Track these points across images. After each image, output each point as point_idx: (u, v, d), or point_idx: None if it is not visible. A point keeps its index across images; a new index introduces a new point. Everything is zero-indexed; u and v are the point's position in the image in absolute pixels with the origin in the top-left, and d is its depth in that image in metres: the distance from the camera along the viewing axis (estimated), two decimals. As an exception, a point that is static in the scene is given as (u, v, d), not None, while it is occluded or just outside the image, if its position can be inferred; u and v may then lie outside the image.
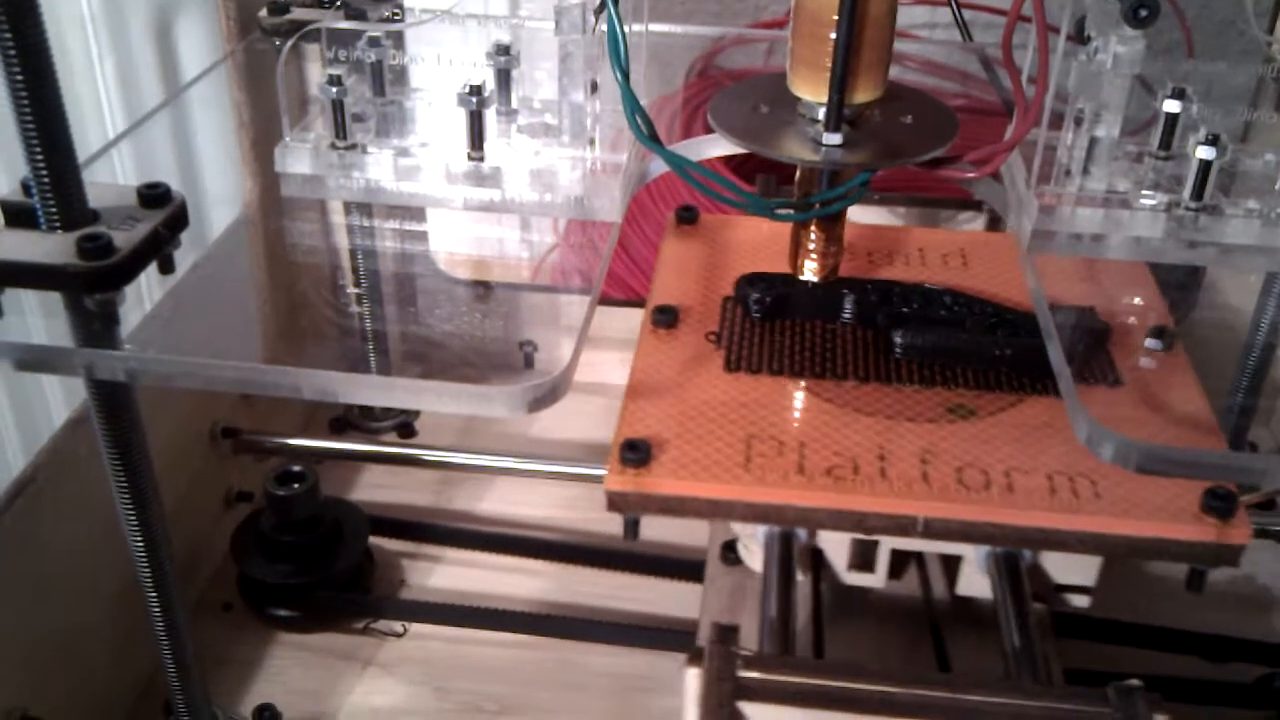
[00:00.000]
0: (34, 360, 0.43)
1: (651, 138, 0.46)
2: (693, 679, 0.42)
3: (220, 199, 0.80)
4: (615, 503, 0.46)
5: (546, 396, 0.40)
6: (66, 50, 0.80)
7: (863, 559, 0.49)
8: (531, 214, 0.70)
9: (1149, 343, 0.53)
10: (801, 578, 0.50)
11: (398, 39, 0.52)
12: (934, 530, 0.45)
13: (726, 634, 0.43)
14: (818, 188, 0.50)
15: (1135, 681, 0.41)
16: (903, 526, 0.45)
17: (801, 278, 0.54)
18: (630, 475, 0.46)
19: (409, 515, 0.70)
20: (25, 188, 0.41)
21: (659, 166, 0.51)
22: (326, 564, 0.63)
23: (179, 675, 0.51)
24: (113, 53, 0.82)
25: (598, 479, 0.68)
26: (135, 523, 0.46)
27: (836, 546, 0.49)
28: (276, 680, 0.61)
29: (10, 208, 0.41)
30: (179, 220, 0.43)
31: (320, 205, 0.72)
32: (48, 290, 0.40)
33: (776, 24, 1.01)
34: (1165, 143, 0.48)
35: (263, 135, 0.67)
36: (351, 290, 0.73)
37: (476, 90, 0.47)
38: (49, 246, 0.40)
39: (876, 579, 0.49)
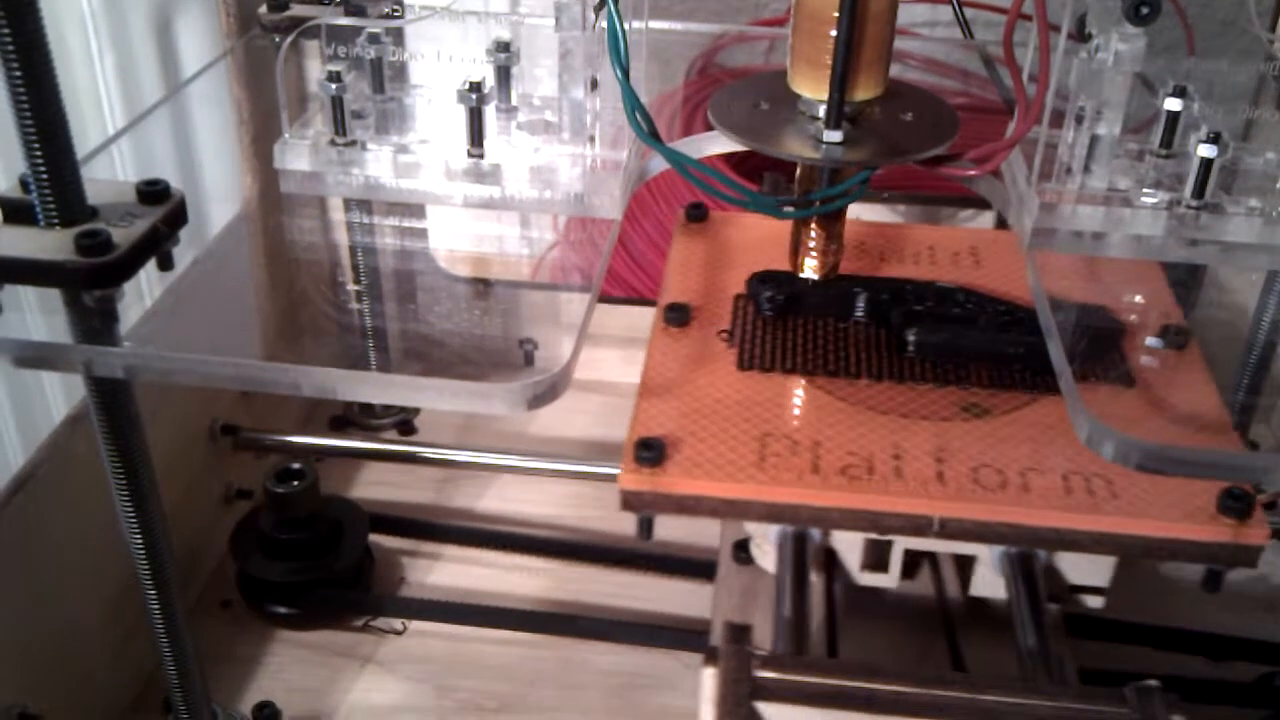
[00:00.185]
0: (33, 357, 0.43)
1: (652, 135, 0.46)
2: (709, 679, 0.42)
3: (219, 195, 0.80)
4: (630, 502, 0.46)
5: (546, 394, 0.40)
6: (66, 46, 0.79)
7: (876, 559, 0.49)
8: (531, 211, 0.70)
9: (1160, 342, 0.53)
10: (815, 578, 0.49)
11: (397, 35, 0.52)
12: (950, 530, 0.45)
13: (739, 633, 0.43)
14: (818, 185, 0.50)
15: (1153, 682, 0.40)
16: (919, 527, 0.45)
17: (802, 275, 0.54)
18: (645, 474, 0.46)
19: (409, 513, 0.70)
20: (24, 184, 0.41)
21: (659, 164, 0.51)
22: (326, 561, 0.63)
23: (178, 673, 0.51)
24: (112, 49, 0.82)
25: (598, 476, 0.69)
26: (134, 520, 0.46)
27: (850, 546, 0.49)
28: (276, 678, 0.61)
29: (9, 204, 0.41)
30: (178, 217, 0.43)
31: (319, 202, 0.72)
32: (46, 287, 0.40)
33: (777, 21, 1.01)
34: (1166, 141, 0.48)
35: (262, 132, 0.67)
36: (351, 287, 0.73)
37: (476, 87, 0.47)
38: (48, 243, 0.40)
39: (890, 579, 0.49)
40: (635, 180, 0.51)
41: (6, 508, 0.50)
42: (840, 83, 0.45)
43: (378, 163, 0.48)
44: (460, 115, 0.48)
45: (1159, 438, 0.48)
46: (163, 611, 0.49)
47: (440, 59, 0.50)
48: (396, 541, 0.69)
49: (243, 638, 0.63)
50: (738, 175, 0.71)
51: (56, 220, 0.40)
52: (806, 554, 0.48)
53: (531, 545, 0.68)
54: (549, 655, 0.62)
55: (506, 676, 0.61)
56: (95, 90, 0.82)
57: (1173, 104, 0.47)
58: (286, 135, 0.49)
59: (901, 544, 0.48)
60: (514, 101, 0.51)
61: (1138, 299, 0.56)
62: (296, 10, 0.63)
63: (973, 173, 0.48)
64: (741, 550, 0.55)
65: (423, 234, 0.75)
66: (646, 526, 0.47)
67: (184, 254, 0.44)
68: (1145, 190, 0.46)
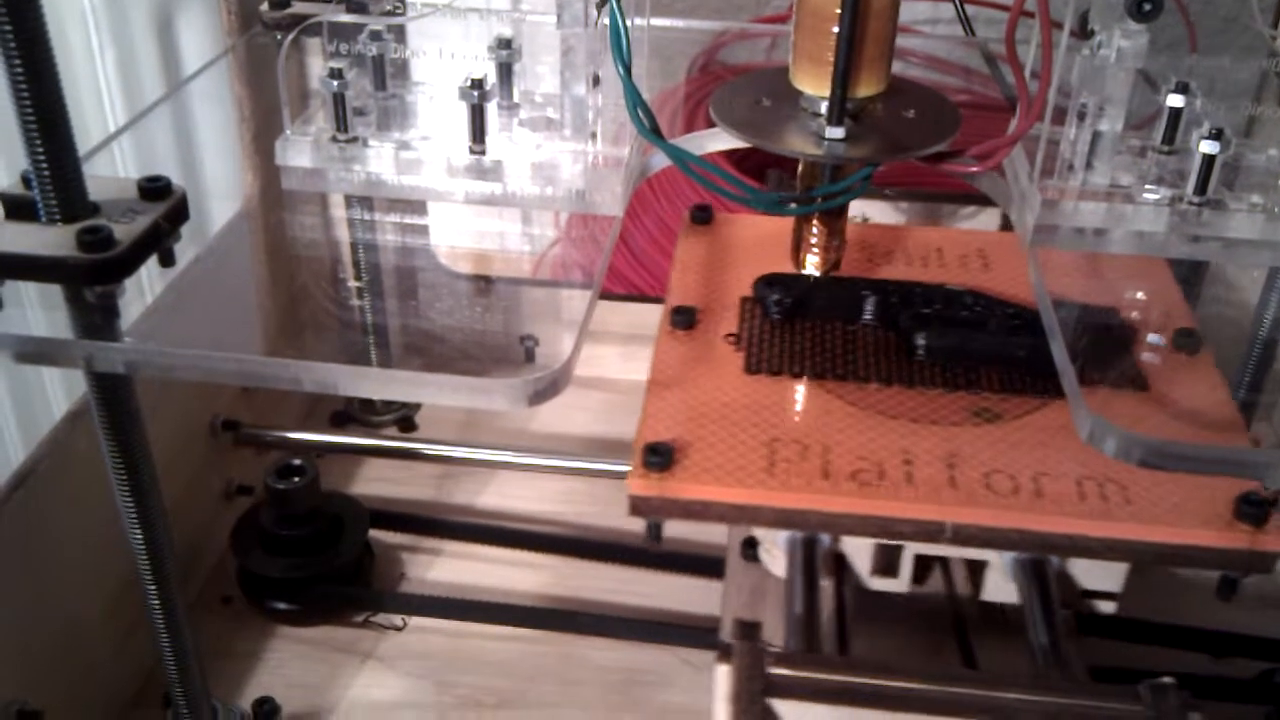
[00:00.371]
0: (34, 352, 0.43)
1: (653, 131, 0.46)
2: (723, 675, 0.42)
3: (221, 192, 0.80)
4: (638, 507, 0.46)
5: (547, 390, 0.40)
6: (67, 43, 0.79)
7: (886, 564, 0.49)
8: (533, 208, 0.70)
9: (1172, 344, 0.53)
10: (825, 582, 0.49)
11: (399, 32, 0.51)
12: (962, 536, 0.44)
13: (749, 630, 0.43)
14: (820, 181, 0.50)
15: (1168, 679, 0.40)
16: (930, 533, 0.44)
17: (804, 271, 0.54)
18: (653, 479, 0.45)
19: (409, 509, 0.70)
20: (25, 180, 0.41)
21: (661, 161, 0.51)
22: (326, 557, 0.63)
23: (179, 668, 0.51)
24: (114, 46, 0.82)
25: (599, 473, 0.69)
26: (135, 516, 0.46)
27: (859, 551, 0.49)
28: (276, 673, 0.61)
29: (10, 200, 0.41)
30: (179, 213, 0.43)
31: (321, 199, 0.72)
32: (48, 282, 0.40)
33: (779, 19, 1.01)
34: (1169, 137, 0.48)
35: (264, 129, 0.67)
36: (352, 284, 0.73)
37: (478, 84, 0.47)
38: (49, 239, 0.40)
39: (900, 584, 0.49)
40: (637, 177, 0.51)
41: (7, 504, 0.50)
42: (842, 79, 0.45)
43: (379, 159, 0.48)
44: (462, 112, 0.48)
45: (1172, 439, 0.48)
46: (163, 607, 0.49)
47: (442, 56, 0.50)
48: (397, 537, 0.69)
49: (243, 633, 0.63)
50: (739, 172, 0.71)
51: (58, 216, 0.40)
52: (816, 559, 0.48)
53: (532, 541, 0.68)
54: (549, 651, 0.62)
55: (506, 672, 0.61)
56: (97, 87, 0.82)
57: (1175, 100, 0.47)
58: (288, 132, 0.49)
59: (912, 549, 0.48)
60: (516, 98, 0.51)
61: (1147, 300, 0.55)
62: (298, 7, 0.63)
63: (975, 169, 0.48)
64: (750, 547, 0.54)
65: (424, 230, 0.75)
66: (655, 531, 0.47)
67: (185, 250, 0.44)
68: (1147, 186, 0.46)
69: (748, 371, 0.52)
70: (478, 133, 0.48)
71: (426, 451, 0.70)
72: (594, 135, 0.49)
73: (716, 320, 0.55)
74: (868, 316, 0.55)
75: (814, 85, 0.47)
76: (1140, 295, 0.56)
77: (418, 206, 0.73)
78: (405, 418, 0.78)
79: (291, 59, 0.67)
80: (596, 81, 0.48)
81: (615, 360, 0.81)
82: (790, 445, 0.47)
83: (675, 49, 0.95)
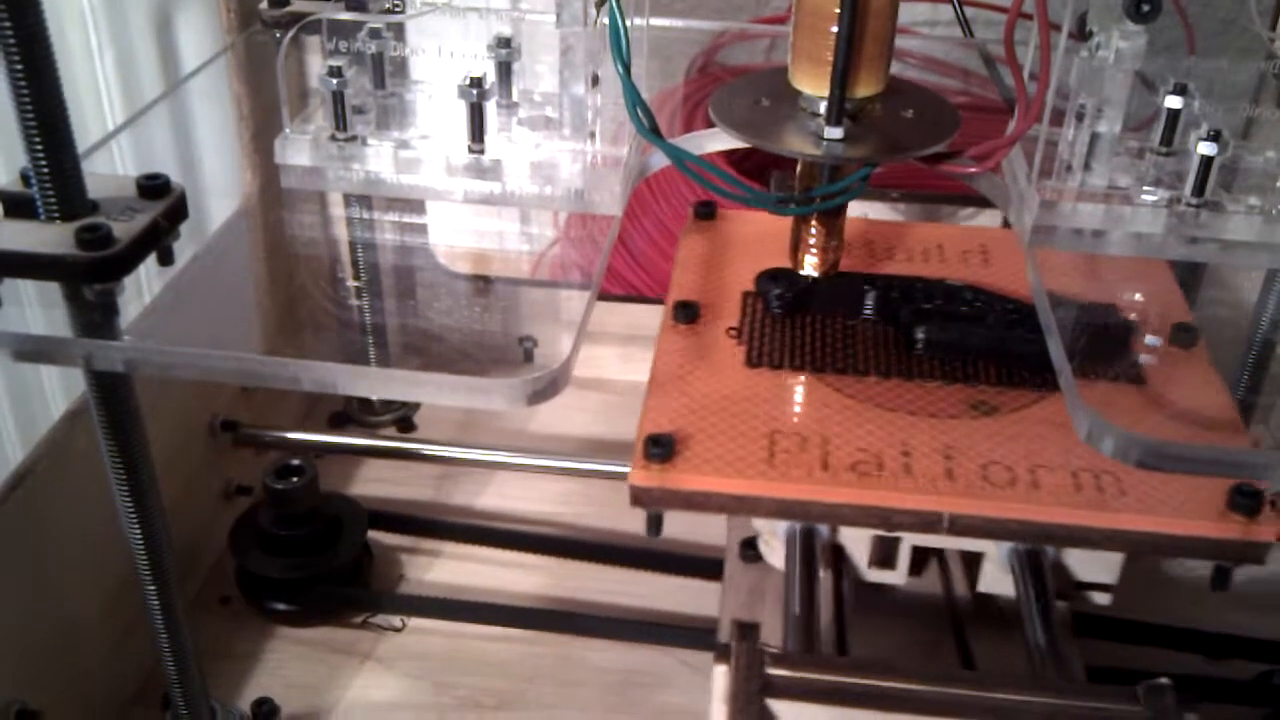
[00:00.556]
0: (33, 350, 0.43)
1: (652, 131, 0.46)
2: (720, 676, 0.42)
3: (220, 191, 0.80)
4: (639, 498, 0.46)
5: (546, 390, 0.40)
6: (66, 41, 0.79)
7: (884, 556, 0.49)
8: (531, 207, 0.70)
9: (1169, 340, 0.53)
10: (823, 574, 0.49)
11: (398, 31, 0.51)
12: (960, 527, 0.45)
13: (748, 631, 0.43)
14: (819, 182, 0.50)
15: (1164, 680, 0.40)
16: (928, 523, 0.45)
17: (802, 272, 0.54)
18: (655, 470, 0.46)
19: (408, 510, 0.70)
20: (24, 178, 0.41)
21: (659, 160, 0.51)
22: (325, 558, 0.63)
23: (177, 669, 0.51)
24: (112, 44, 0.82)
25: (597, 474, 0.69)
26: (134, 515, 0.46)
27: (857, 543, 0.49)
28: (275, 674, 0.61)
29: (9, 198, 0.41)
30: (178, 211, 0.43)
31: (320, 197, 0.72)
32: (47, 280, 0.40)
33: (778, 19, 1.01)
34: (1167, 139, 0.48)
35: (263, 127, 0.67)
36: (351, 283, 0.73)
37: (477, 83, 0.47)
38: (48, 237, 0.40)
39: (898, 576, 0.49)
40: (635, 176, 0.51)
41: (5, 503, 0.50)
42: (841, 79, 0.45)
43: (378, 158, 0.48)
44: (461, 111, 0.48)
45: (1169, 436, 0.48)
46: (162, 607, 0.49)
47: (441, 54, 0.50)
48: (395, 538, 0.69)
49: (241, 634, 0.63)
50: (738, 172, 0.71)
51: (57, 214, 0.40)
52: (815, 550, 0.48)
53: (530, 542, 0.68)
54: (547, 652, 0.62)
55: (505, 673, 0.61)
56: (95, 85, 0.82)
57: (1173, 102, 0.47)
58: (287, 130, 0.49)
59: (909, 541, 0.48)
60: (515, 97, 0.51)
61: (1146, 297, 0.56)
62: (297, 5, 0.63)
63: (973, 170, 0.48)
64: (749, 548, 0.55)
65: (423, 230, 0.75)
66: (656, 523, 0.47)
67: (184, 249, 0.44)
68: (1145, 188, 0.46)
69: (749, 365, 0.52)
70: (476, 132, 0.48)
71: (425, 452, 0.70)
72: (593, 135, 0.49)
73: (719, 314, 0.56)
74: (868, 311, 0.55)
75: (813, 85, 0.47)
76: (1138, 292, 0.56)
77: (416, 205, 0.73)
78: (404, 418, 0.78)
79: (290, 57, 0.67)
80: (595, 81, 0.48)
81: (614, 361, 0.81)
82: (790, 437, 0.47)
83: (674, 49, 0.95)
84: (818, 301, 0.55)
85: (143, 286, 0.53)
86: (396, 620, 0.64)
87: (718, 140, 0.50)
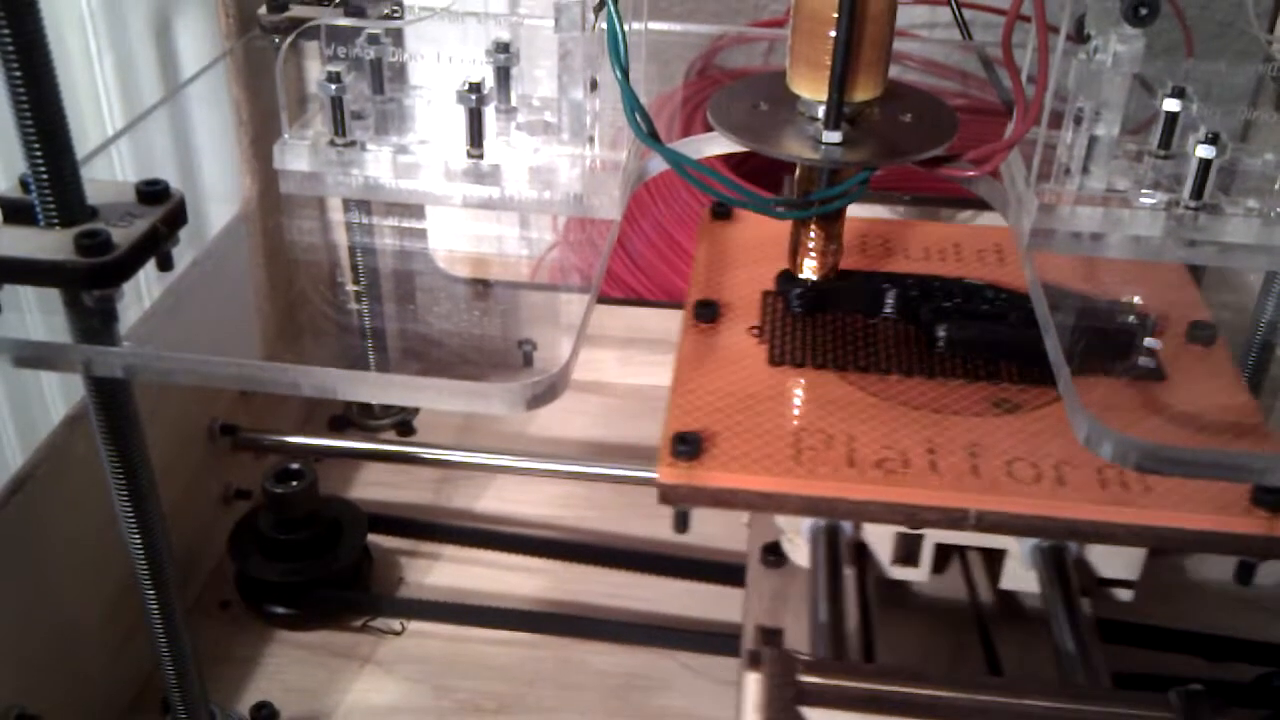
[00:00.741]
0: (32, 356, 0.43)
1: (651, 135, 0.46)
2: (752, 684, 0.42)
3: (219, 196, 0.80)
4: (667, 495, 0.46)
5: (545, 394, 0.40)
6: (65, 47, 0.79)
7: (907, 553, 0.49)
8: (530, 211, 0.70)
9: (1188, 338, 0.53)
10: (847, 571, 0.50)
11: (397, 36, 0.52)
12: (987, 523, 0.45)
13: (771, 637, 0.43)
14: (817, 186, 0.50)
15: (1197, 686, 0.40)
16: (955, 519, 0.45)
17: (800, 276, 0.54)
18: (682, 468, 0.46)
19: (407, 513, 0.70)
20: (24, 184, 0.41)
21: (658, 164, 0.51)
22: (325, 562, 0.63)
23: (177, 673, 0.51)
24: (111, 49, 0.82)
25: (597, 477, 0.69)
26: (133, 520, 0.46)
27: (881, 540, 0.49)
28: (274, 678, 0.61)
29: (9, 204, 0.41)
30: (178, 217, 0.43)
31: (319, 203, 0.72)
32: (46, 286, 0.40)
33: (776, 23, 1.01)
34: (1165, 142, 0.48)
35: (262, 132, 0.67)
36: (350, 288, 0.73)
37: (476, 88, 0.47)
38: (47, 243, 0.40)
39: (920, 573, 0.50)
40: (634, 181, 0.51)
41: (5, 508, 0.50)
42: (839, 83, 0.45)
43: (377, 163, 0.48)
44: (460, 116, 0.48)
45: (1184, 437, 0.48)
46: (161, 612, 0.49)
47: (440, 60, 0.50)
48: (395, 542, 0.69)
49: (241, 638, 0.63)
50: (737, 176, 0.71)
51: (56, 220, 0.40)
52: (840, 548, 0.49)
53: (530, 545, 0.68)
54: (547, 655, 0.62)
55: (505, 677, 0.61)
56: (95, 91, 0.82)
57: (1171, 105, 0.47)
58: (286, 136, 0.49)
59: (933, 538, 0.49)
60: (513, 102, 0.51)
61: (1164, 295, 0.56)
62: (296, 11, 0.63)
63: (971, 173, 0.48)
64: (770, 554, 0.55)
65: (422, 234, 0.75)
66: (683, 520, 0.47)
67: (183, 254, 0.44)
68: (1144, 191, 0.46)
69: (771, 363, 0.52)
70: (475, 137, 0.48)
71: (425, 456, 0.70)
72: (591, 139, 0.49)
73: (739, 314, 0.56)
74: (888, 310, 0.55)
75: (811, 89, 0.47)
76: (1155, 291, 0.56)
77: (415, 210, 0.73)
78: (403, 422, 0.78)
79: (289, 62, 0.67)
80: (594, 85, 0.48)
81: (613, 364, 0.81)
82: (815, 434, 0.48)
83: (673, 53, 0.96)
84: (838, 301, 0.56)
85: (142, 292, 0.53)
86: (396, 624, 0.64)
87: (716, 144, 0.50)
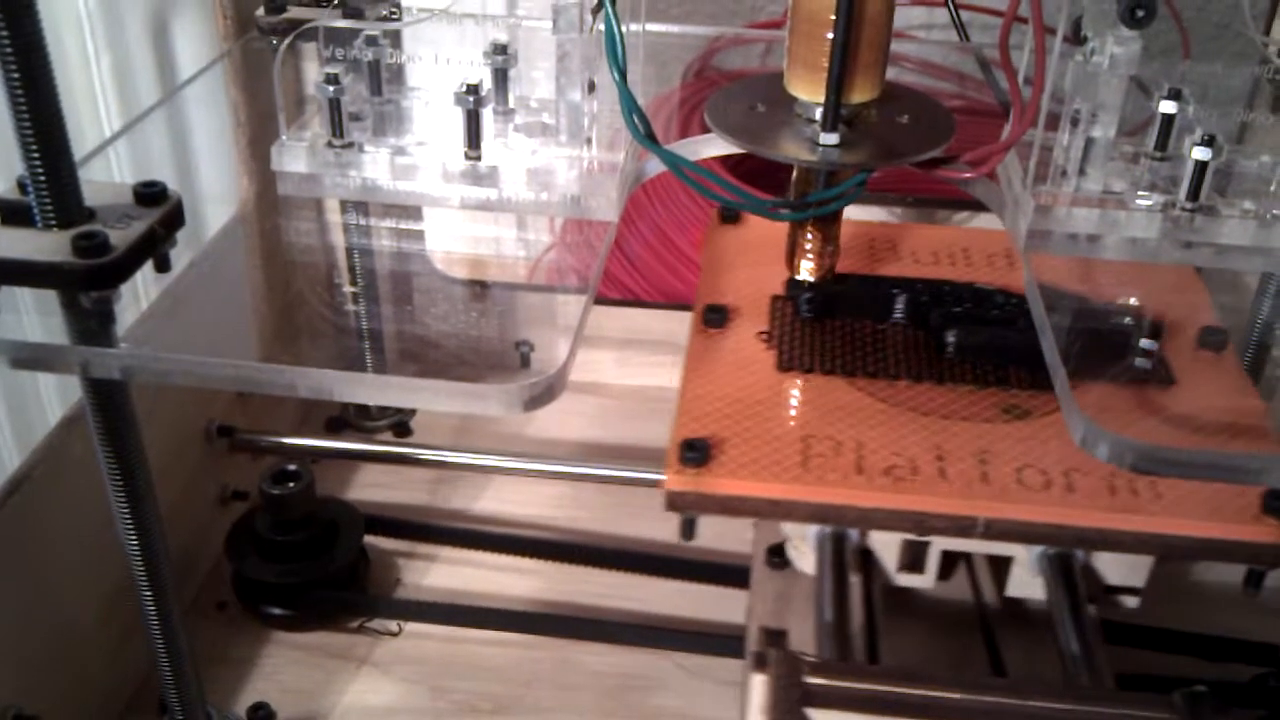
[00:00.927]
0: (29, 358, 0.43)
1: (648, 137, 0.46)
2: (759, 685, 0.42)
3: (216, 197, 0.80)
4: (674, 502, 0.46)
5: (542, 395, 0.40)
6: (63, 48, 0.79)
7: (913, 560, 0.49)
8: (528, 213, 0.70)
9: (1198, 343, 0.53)
10: (853, 578, 0.50)
11: (395, 38, 0.52)
12: (995, 531, 0.45)
13: (776, 638, 0.43)
14: (815, 188, 0.50)
15: (1201, 688, 0.40)
16: (963, 527, 0.45)
17: (797, 278, 0.54)
18: (689, 475, 0.46)
19: (404, 514, 0.70)
20: (21, 185, 0.41)
21: (656, 166, 0.51)
22: (322, 563, 0.63)
23: (174, 674, 0.51)
24: (109, 50, 0.82)
25: (594, 478, 0.69)
26: (130, 521, 0.46)
27: (886, 547, 0.49)
28: (271, 679, 0.61)
29: (6, 205, 0.41)
30: (175, 218, 0.43)
31: (317, 204, 0.72)
32: (43, 288, 0.40)
33: (774, 24, 1.01)
34: (1161, 144, 0.48)
35: (259, 134, 0.67)
36: (347, 289, 0.73)
37: (474, 89, 0.47)
38: (45, 244, 0.40)
39: (926, 580, 0.50)
40: (632, 182, 0.51)
41: (2, 509, 0.50)
42: (837, 85, 0.45)
43: (375, 165, 0.48)
44: (457, 117, 0.48)
45: (1192, 441, 0.48)
46: (158, 613, 0.49)
47: (438, 61, 0.50)
48: (392, 543, 0.69)
49: (238, 639, 0.63)
50: (734, 178, 0.71)
51: (54, 222, 0.40)
52: (846, 555, 0.49)
53: (527, 547, 0.68)
54: (544, 656, 0.62)
55: (502, 678, 0.61)
56: (92, 92, 0.82)
57: (1168, 107, 0.47)
58: (284, 137, 0.49)
59: (939, 545, 0.48)
60: (511, 104, 0.51)
61: (1172, 299, 0.56)
62: (294, 12, 0.63)
63: (968, 175, 0.48)
64: (775, 555, 0.54)
65: (419, 236, 0.75)
66: (690, 527, 0.47)
67: (181, 255, 0.44)
68: (1140, 193, 0.46)
69: (780, 369, 0.52)
70: (473, 138, 0.48)
71: (422, 457, 0.70)
72: (589, 140, 0.49)
73: (747, 318, 0.56)
74: (898, 315, 0.55)
75: (808, 91, 0.47)
76: (1164, 294, 0.56)
77: (413, 212, 0.73)
78: (400, 423, 0.78)
79: (287, 64, 0.67)
80: (592, 87, 0.48)
81: (611, 365, 0.81)
82: (824, 441, 0.48)
83: (670, 54, 0.96)
84: (847, 305, 0.55)
85: (139, 293, 0.53)
86: (393, 625, 0.64)
87: (714, 145, 0.50)
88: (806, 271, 0.54)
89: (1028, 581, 0.49)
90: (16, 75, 0.37)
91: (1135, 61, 0.44)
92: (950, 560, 0.52)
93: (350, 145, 0.48)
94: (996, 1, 0.51)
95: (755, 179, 0.76)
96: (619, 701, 0.60)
